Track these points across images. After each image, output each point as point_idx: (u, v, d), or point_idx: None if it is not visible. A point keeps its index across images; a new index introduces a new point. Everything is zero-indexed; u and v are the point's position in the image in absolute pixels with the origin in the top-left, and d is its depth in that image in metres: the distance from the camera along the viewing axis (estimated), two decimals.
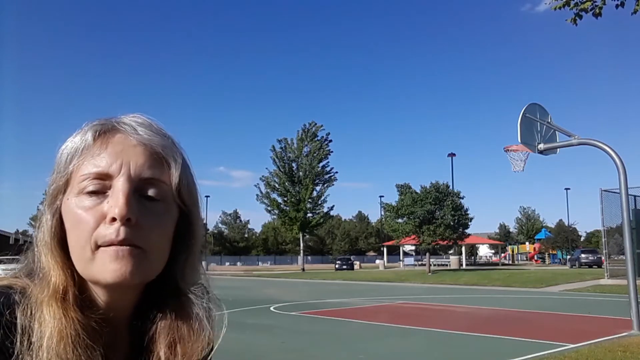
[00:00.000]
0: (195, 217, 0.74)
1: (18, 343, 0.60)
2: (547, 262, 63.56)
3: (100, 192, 0.66)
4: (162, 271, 0.70)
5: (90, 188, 0.66)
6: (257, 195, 47.37)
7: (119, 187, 0.65)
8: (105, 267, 0.64)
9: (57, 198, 0.69)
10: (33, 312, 0.62)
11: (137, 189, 0.67)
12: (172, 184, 0.69)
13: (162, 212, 0.68)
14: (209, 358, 0.77)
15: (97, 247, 0.64)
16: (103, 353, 0.64)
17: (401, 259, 57.24)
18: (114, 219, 0.63)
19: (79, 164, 0.68)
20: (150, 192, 0.68)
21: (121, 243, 0.63)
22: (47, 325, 0.61)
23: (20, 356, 0.60)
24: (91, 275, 0.65)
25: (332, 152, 47.26)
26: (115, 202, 0.64)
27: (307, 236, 62.14)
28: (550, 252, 66.83)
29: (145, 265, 0.66)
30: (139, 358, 0.71)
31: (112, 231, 0.63)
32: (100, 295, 0.68)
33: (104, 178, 0.66)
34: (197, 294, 0.75)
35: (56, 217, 0.68)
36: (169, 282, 0.72)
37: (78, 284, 0.67)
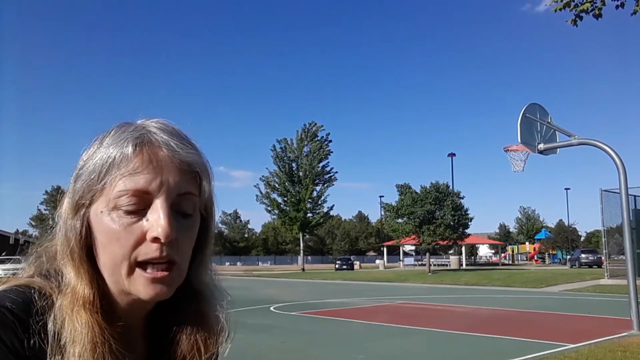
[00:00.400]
0: (213, 221, 0.77)
1: (50, 351, 0.61)
2: (547, 262, 63.56)
3: (138, 208, 0.66)
4: None
5: (129, 208, 0.66)
6: (257, 195, 47.43)
7: (159, 206, 0.66)
8: (142, 287, 0.66)
9: (84, 206, 0.68)
10: (64, 320, 0.63)
11: (173, 205, 0.68)
12: (203, 198, 0.72)
13: (192, 227, 0.71)
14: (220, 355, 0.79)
15: (136, 264, 0.66)
16: (129, 358, 0.67)
17: (401, 259, 57.24)
18: (156, 239, 0.65)
19: (116, 178, 0.67)
20: (185, 208, 0.69)
21: (163, 260, 0.65)
22: (79, 334, 0.63)
23: None
24: (125, 290, 0.67)
25: (332, 152, 47.33)
26: (157, 222, 0.65)
27: (307, 236, 62.16)
28: (550, 252, 66.81)
29: (178, 279, 0.68)
30: (158, 358, 0.73)
31: (154, 249, 0.65)
32: (124, 304, 0.69)
33: (142, 195, 0.66)
34: (215, 295, 0.78)
35: (85, 225, 0.68)
36: (185, 283, 0.74)
37: (102, 292, 0.68)
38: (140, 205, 0.66)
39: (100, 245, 0.67)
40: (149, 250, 0.65)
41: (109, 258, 0.66)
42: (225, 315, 0.78)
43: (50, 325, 0.62)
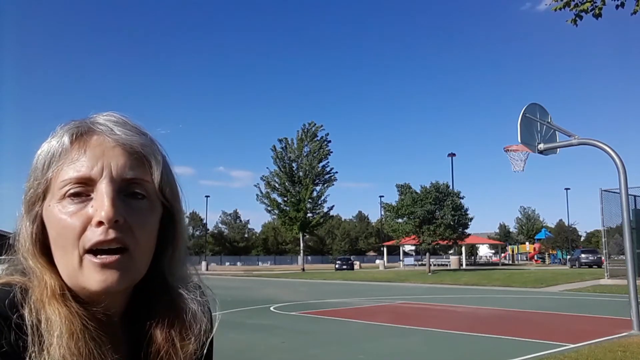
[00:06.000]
0: (178, 212, 0.74)
1: (30, 343, 0.60)
2: (547, 262, 63.55)
3: (83, 196, 0.66)
4: (150, 268, 0.70)
5: (73, 192, 0.66)
6: (257, 195, 47.44)
7: (103, 190, 0.65)
8: (91, 277, 0.64)
9: (36, 205, 0.68)
10: (39, 311, 0.63)
11: (121, 190, 0.67)
12: (155, 182, 0.70)
13: (147, 210, 0.69)
14: (206, 350, 0.77)
15: (85, 251, 0.64)
16: (110, 346, 0.65)
17: (401, 259, 57.22)
18: (100, 223, 0.64)
19: (58, 169, 0.67)
20: (134, 191, 0.68)
21: (111, 242, 0.64)
22: (55, 323, 0.62)
23: (33, 355, 0.60)
24: (77, 283, 0.66)
25: (332, 152, 47.34)
26: (101, 205, 0.64)
27: (307, 236, 62.13)
28: (550, 252, 66.82)
29: (132, 268, 0.66)
30: (136, 355, 0.71)
31: (99, 233, 0.64)
32: (86, 298, 0.68)
33: (86, 182, 0.66)
34: (189, 289, 0.76)
35: (37, 223, 0.68)
36: (157, 278, 0.73)
37: (67, 287, 0.67)
38: (85, 193, 0.66)
39: (52, 239, 0.67)
40: (94, 235, 0.64)
41: (60, 251, 0.66)
42: (204, 311, 0.76)
43: (27, 317, 0.62)
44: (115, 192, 0.66)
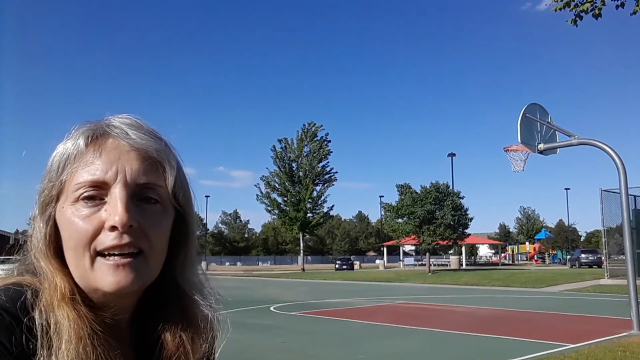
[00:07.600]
0: (190, 216, 0.75)
1: (39, 346, 0.61)
2: (547, 262, 63.54)
3: (97, 199, 0.66)
4: (161, 273, 0.71)
5: (87, 195, 0.66)
6: (257, 195, 47.44)
7: (117, 195, 0.65)
8: (104, 278, 0.64)
9: (50, 206, 0.69)
10: (48, 314, 0.63)
11: (134, 194, 0.67)
12: (168, 187, 0.70)
13: (160, 214, 0.69)
14: (213, 357, 0.78)
15: (97, 254, 0.65)
16: (119, 351, 0.65)
17: (401, 259, 57.21)
18: (114, 227, 0.64)
19: (73, 172, 0.67)
20: (148, 195, 0.68)
21: (124, 247, 0.64)
22: (64, 328, 0.62)
23: (42, 359, 0.60)
24: (89, 284, 0.66)
25: (331, 152, 47.34)
26: (114, 210, 0.64)
27: (307, 236, 62.12)
28: (550, 252, 66.81)
29: (145, 270, 0.66)
30: (145, 358, 0.71)
31: (112, 238, 0.64)
32: (99, 302, 0.68)
33: (100, 186, 0.66)
34: (204, 295, 0.76)
35: (50, 224, 0.68)
36: (169, 282, 0.73)
37: (78, 288, 0.67)
38: (99, 197, 0.66)
39: (64, 241, 0.67)
40: (107, 239, 0.64)
41: (72, 252, 0.66)
42: (215, 314, 0.77)
43: (37, 320, 0.62)
44: (129, 197, 0.66)
